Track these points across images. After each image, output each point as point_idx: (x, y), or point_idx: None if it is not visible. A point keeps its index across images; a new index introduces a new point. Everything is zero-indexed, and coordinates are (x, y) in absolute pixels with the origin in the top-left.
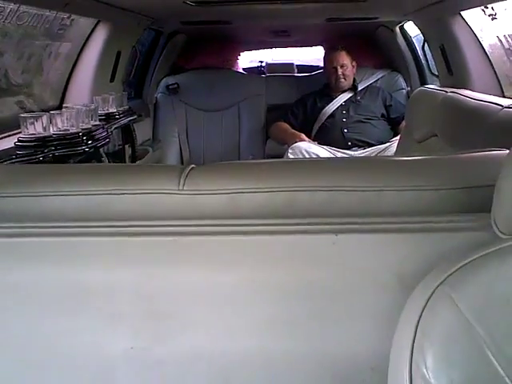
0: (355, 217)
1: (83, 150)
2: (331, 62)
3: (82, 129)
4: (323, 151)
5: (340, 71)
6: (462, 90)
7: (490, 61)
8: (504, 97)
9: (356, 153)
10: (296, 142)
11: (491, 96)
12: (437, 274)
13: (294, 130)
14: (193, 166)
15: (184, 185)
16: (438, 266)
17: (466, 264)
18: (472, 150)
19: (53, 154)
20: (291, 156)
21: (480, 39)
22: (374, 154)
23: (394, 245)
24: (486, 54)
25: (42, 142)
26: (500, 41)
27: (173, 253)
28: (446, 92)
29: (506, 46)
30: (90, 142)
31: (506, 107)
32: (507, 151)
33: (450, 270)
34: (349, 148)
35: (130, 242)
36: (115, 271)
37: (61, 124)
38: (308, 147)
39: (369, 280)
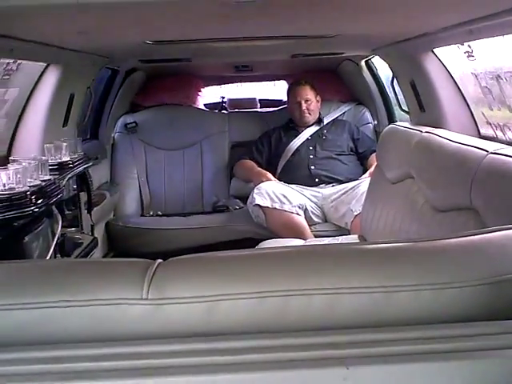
0: (361, 328)
1: (32, 210)
2: (295, 97)
3: (31, 186)
4: (290, 190)
5: (304, 106)
6: (438, 130)
7: (464, 99)
8: (480, 137)
9: (324, 190)
10: (262, 182)
11: (472, 138)
12: None
13: (259, 169)
14: (159, 261)
15: (149, 291)
16: None
17: None
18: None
19: None
20: (257, 197)
21: (453, 75)
22: (342, 192)
23: (422, 376)
24: (461, 91)
25: None
26: (476, 77)
27: None
28: (421, 132)
29: (483, 83)
30: (39, 201)
31: (491, 153)
32: None
33: None
34: (316, 185)
35: None
36: None
37: (6, 181)
38: (274, 187)
39: None
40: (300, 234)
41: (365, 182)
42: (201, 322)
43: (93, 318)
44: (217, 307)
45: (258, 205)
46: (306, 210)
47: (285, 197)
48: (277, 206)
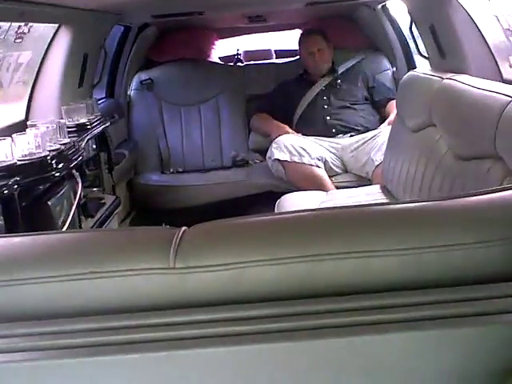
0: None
1: (53, 175)
2: (307, 48)
3: (50, 150)
4: (308, 143)
5: (317, 55)
6: (460, 76)
7: (486, 42)
8: (504, 81)
9: (342, 140)
10: (280, 135)
11: (495, 83)
12: None
13: (276, 122)
14: (184, 229)
15: (175, 260)
16: None
17: None
18: None
19: (18, 184)
20: (275, 151)
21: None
22: (362, 142)
23: (457, 341)
24: (482, 35)
25: (6, 173)
26: (498, 20)
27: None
28: (442, 78)
29: (505, 26)
30: (60, 165)
31: None
32: None
33: None
34: (333, 136)
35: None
36: None
37: (25, 147)
38: (292, 141)
39: None
40: (321, 186)
41: (385, 131)
42: (228, 289)
43: (120, 289)
44: (243, 274)
45: (277, 159)
46: (325, 162)
47: (304, 149)
48: (296, 159)
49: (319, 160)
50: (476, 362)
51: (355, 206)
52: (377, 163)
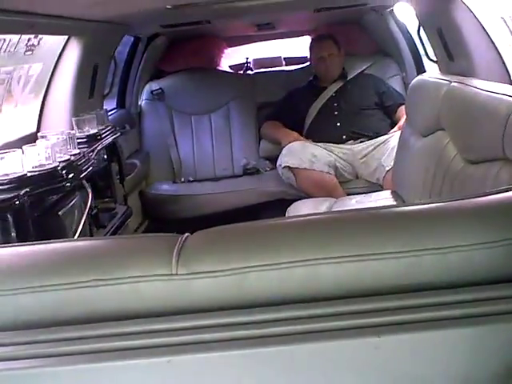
0: (396, 293)
1: (63, 185)
2: (318, 53)
3: (61, 161)
4: (319, 149)
5: (328, 60)
6: (468, 79)
7: (494, 45)
8: None
9: (353, 146)
10: (290, 143)
11: (503, 85)
12: None
13: (286, 129)
14: (187, 235)
15: (178, 266)
16: None
17: None
18: None
19: (29, 195)
20: (285, 158)
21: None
22: (372, 147)
23: (456, 343)
24: (490, 37)
25: (17, 184)
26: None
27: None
28: (450, 81)
29: None
30: (70, 175)
31: None
32: None
33: None
34: (344, 142)
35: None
36: None
37: (36, 158)
38: (302, 147)
39: None
40: (331, 193)
41: (395, 136)
42: (230, 295)
43: (123, 296)
44: (245, 279)
45: (288, 166)
46: (336, 168)
47: (314, 156)
48: (306, 166)
49: (330, 167)
50: (479, 363)
51: (355, 210)
52: (387, 169)
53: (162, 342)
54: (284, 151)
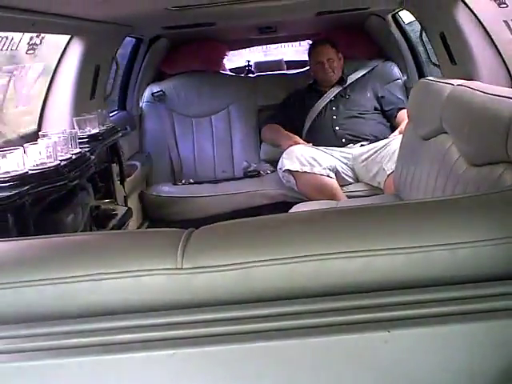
0: (402, 289)
1: (64, 184)
2: (316, 58)
3: (61, 160)
4: (319, 153)
5: (327, 65)
6: (471, 82)
7: (497, 49)
8: None
9: (353, 150)
10: (290, 146)
11: (506, 88)
12: None
13: (287, 132)
14: (192, 230)
15: (183, 261)
16: None
17: None
18: None
19: (30, 193)
20: (286, 161)
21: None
22: (373, 151)
23: (464, 338)
24: (493, 41)
25: (18, 182)
26: (508, 26)
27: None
28: (453, 84)
29: None
30: (71, 174)
31: None
32: None
33: None
34: (343, 145)
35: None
36: None
37: (37, 157)
38: (303, 151)
39: None
40: (332, 196)
41: (396, 140)
42: (235, 289)
43: (128, 290)
44: (250, 274)
45: (288, 169)
46: (337, 172)
47: (314, 159)
48: (307, 169)
49: (330, 170)
50: (482, 359)
51: (363, 206)
52: (388, 172)
53: (167, 335)
54: (284, 155)
